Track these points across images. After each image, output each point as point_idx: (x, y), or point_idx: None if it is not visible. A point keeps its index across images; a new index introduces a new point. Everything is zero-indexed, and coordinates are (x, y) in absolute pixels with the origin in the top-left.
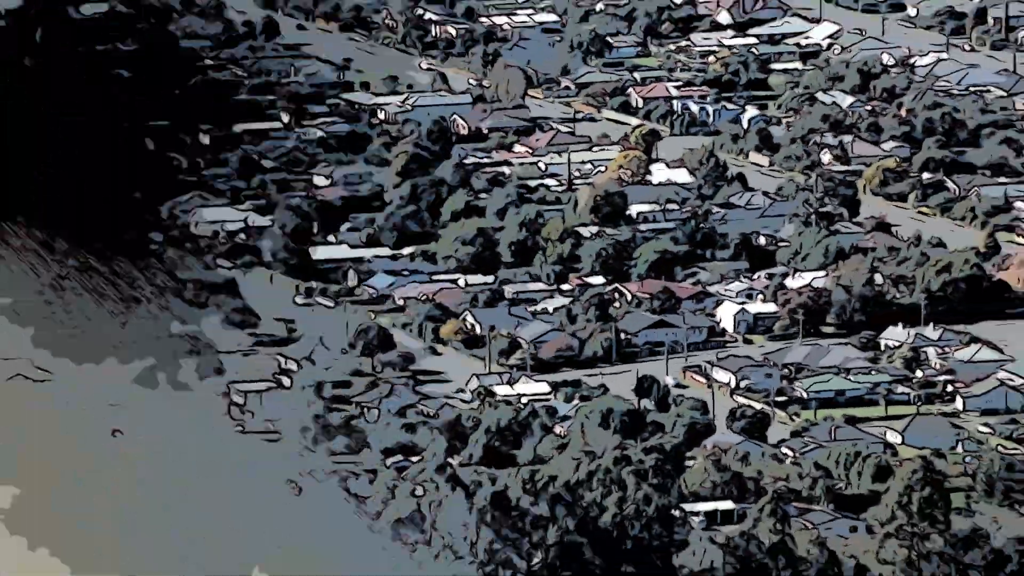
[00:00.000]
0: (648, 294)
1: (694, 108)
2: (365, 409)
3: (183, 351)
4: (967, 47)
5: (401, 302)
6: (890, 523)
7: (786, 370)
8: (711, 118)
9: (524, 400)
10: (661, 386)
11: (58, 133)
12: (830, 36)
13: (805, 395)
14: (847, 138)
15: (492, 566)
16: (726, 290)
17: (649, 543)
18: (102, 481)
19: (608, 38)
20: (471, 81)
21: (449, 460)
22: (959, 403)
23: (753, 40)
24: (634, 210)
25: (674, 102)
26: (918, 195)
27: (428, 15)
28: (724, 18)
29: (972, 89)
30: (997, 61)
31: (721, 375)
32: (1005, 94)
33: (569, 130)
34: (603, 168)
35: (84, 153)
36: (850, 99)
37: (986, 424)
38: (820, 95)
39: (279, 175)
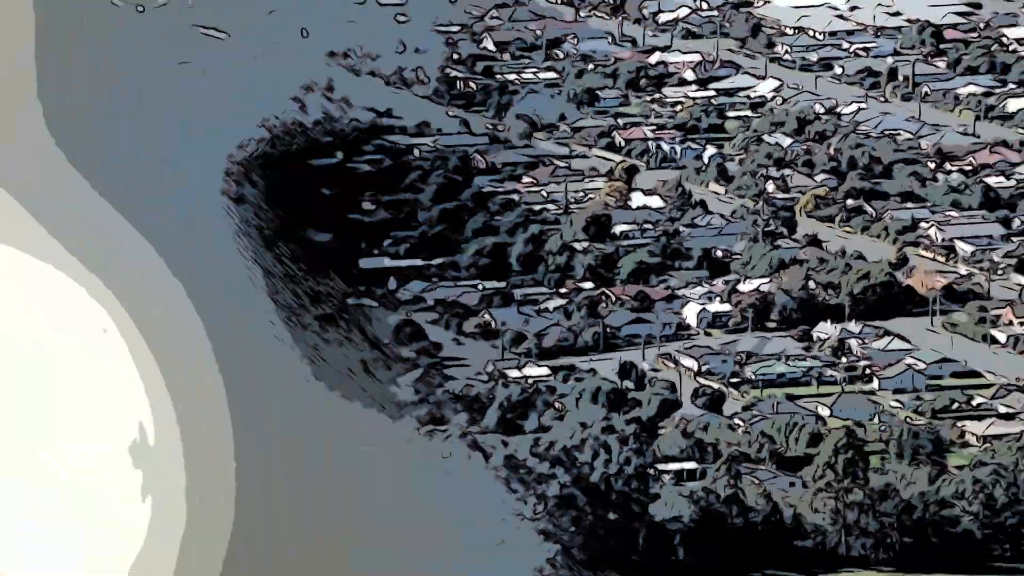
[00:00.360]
0: (629, 296)
1: (666, 147)
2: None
3: None
4: (882, 99)
5: (432, 302)
6: (821, 479)
7: (738, 357)
8: (679, 155)
9: (530, 381)
10: (639, 370)
11: None
12: (773, 90)
13: (753, 377)
14: (787, 171)
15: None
16: (691, 293)
17: (629, 495)
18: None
19: (597, 91)
20: (487, 125)
21: (470, 429)
22: (875, 383)
23: (712, 93)
24: (617, 229)
25: (650, 142)
26: (843, 217)
27: (454, 73)
28: (689, 75)
29: (886, 132)
30: (906, 110)
31: (687, 361)
32: (912, 136)
33: (566, 165)
34: (593, 196)
35: None
36: (789, 140)
37: (897, 400)
38: (766, 137)
39: (336, 199)
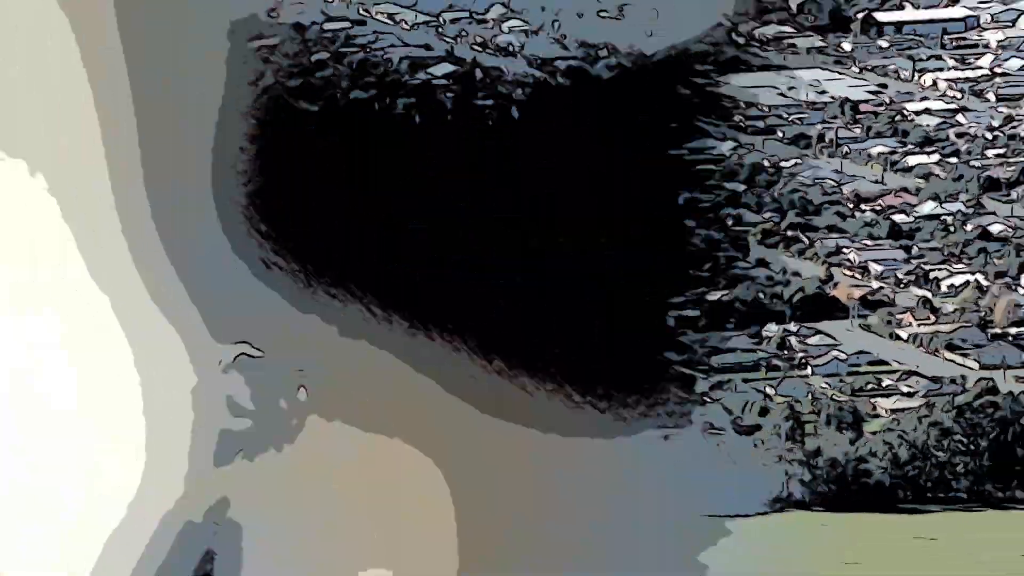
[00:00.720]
0: None
1: None
2: None
3: None
4: (813, 156)
5: None
6: (768, 442)
7: (705, 350)
8: None
9: None
10: None
11: None
12: (732, 149)
13: (717, 365)
14: (742, 210)
15: None
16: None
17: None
18: None
19: None
20: None
21: None
22: (809, 370)
23: (685, 151)
24: None
25: None
26: (784, 244)
27: None
28: None
29: (816, 180)
30: (831, 164)
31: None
32: (836, 184)
33: None
34: None
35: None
36: (744, 187)
37: (825, 382)
38: (725, 184)
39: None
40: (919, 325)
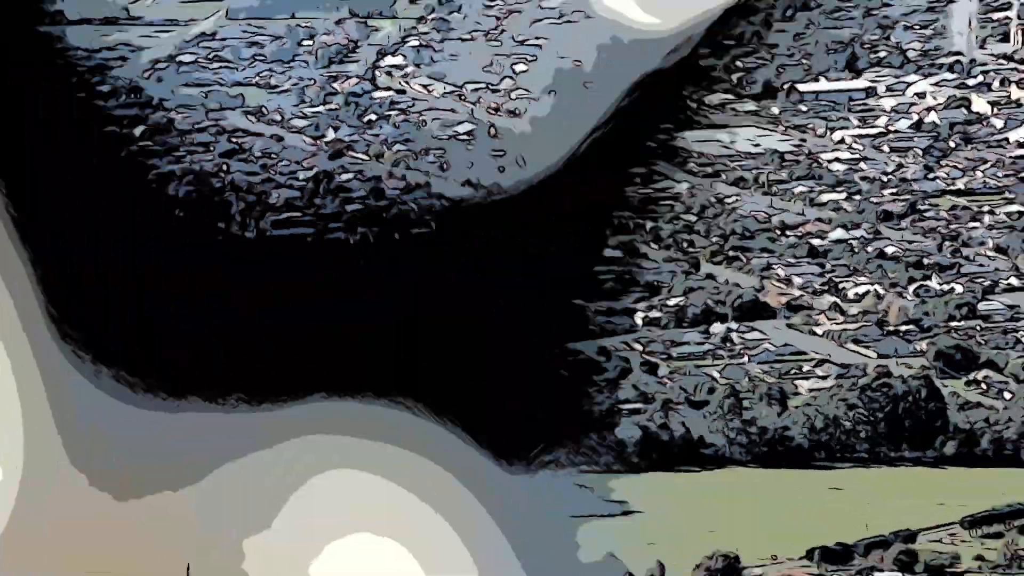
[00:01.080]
0: None
1: None
2: None
3: None
4: (749, 194)
5: None
6: (715, 414)
7: (666, 343)
8: None
9: None
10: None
11: None
12: (687, 189)
13: (675, 355)
14: (695, 236)
15: None
16: (639, 306)
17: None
18: None
19: None
20: None
21: None
22: (746, 359)
23: None
24: None
25: None
26: (727, 262)
27: None
28: None
29: (751, 213)
30: (763, 201)
31: (636, 345)
32: (767, 216)
33: None
34: None
35: None
36: (695, 217)
37: (759, 368)
38: (682, 215)
39: None
40: (831, 324)
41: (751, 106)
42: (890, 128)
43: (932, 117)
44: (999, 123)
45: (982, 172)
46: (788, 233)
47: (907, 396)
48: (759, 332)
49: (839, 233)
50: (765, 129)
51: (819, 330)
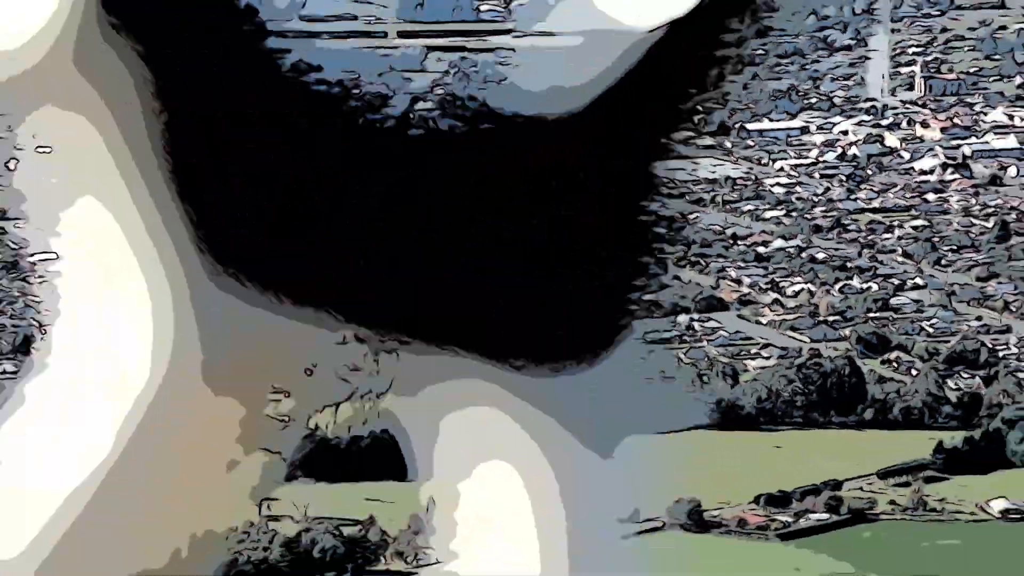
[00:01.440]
0: None
1: None
2: None
3: None
4: (706, 212)
5: None
6: (689, 390)
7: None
8: None
9: None
10: None
11: None
12: None
13: (646, 340)
14: (664, 244)
15: None
16: None
17: None
18: None
19: None
20: None
21: None
22: (705, 344)
23: None
24: None
25: None
26: (690, 266)
27: None
28: None
29: (709, 226)
30: (718, 215)
31: None
32: (722, 228)
33: None
34: None
35: None
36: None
37: (716, 352)
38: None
39: None
40: (773, 315)
41: (709, 141)
42: (820, 159)
43: (854, 150)
44: (907, 155)
45: (893, 194)
46: (739, 242)
47: (834, 372)
48: (715, 322)
49: (779, 242)
50: (721, 160)
51: (764, 320)
